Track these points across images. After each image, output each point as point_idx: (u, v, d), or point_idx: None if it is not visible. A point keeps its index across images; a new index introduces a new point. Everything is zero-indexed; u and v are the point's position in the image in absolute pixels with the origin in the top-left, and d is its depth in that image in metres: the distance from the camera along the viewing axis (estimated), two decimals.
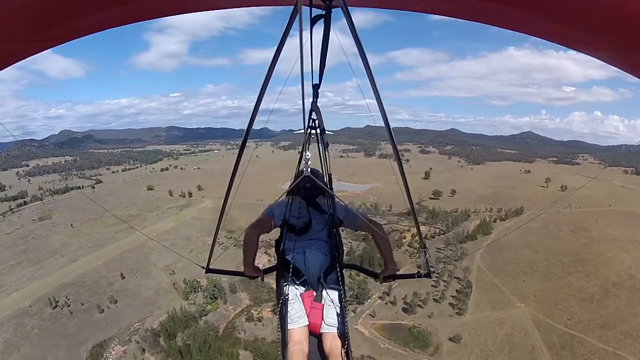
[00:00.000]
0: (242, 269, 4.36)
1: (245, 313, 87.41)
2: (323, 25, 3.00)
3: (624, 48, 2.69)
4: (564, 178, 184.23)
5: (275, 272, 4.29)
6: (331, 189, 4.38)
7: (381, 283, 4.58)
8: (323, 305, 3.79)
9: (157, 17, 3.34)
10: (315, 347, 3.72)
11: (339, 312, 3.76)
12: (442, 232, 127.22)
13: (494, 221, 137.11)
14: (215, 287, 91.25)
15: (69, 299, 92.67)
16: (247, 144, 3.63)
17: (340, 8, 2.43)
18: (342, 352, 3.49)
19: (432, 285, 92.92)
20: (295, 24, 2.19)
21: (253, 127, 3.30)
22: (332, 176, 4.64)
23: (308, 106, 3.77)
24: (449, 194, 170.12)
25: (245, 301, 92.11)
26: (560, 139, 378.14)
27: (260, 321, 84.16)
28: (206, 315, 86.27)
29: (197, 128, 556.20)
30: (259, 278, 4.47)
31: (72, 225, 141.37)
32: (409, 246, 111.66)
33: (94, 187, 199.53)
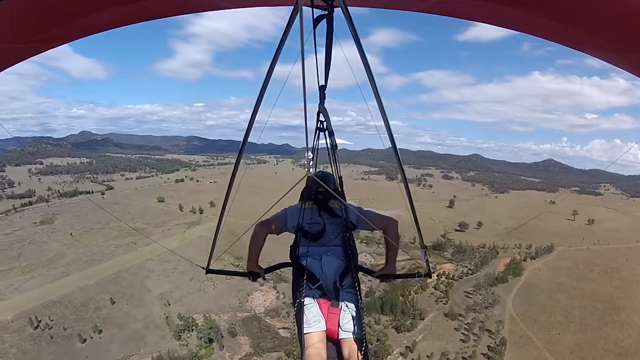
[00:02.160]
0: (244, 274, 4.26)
1: None
2: (326, 26, 2.91)
3: (627, 48, 2.68)
4: (589, 210, 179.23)
5: (291, 284, 4.05)
6: (342, 191, 4.31)
7: (380, 281, 4.39)
8: (340, 310, 3.66)
9: (158, 18, 3.27)
10: (334, 353, 3.57)
11: (355, 316, 3.62)
12: (470, 272, 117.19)
13: (524, 260, 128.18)
14: (211, 328, 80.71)
15: (51, 320, 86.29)
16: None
17: (341, 9, 2.41)
18: (360, 356, 3.33)
19: (461, 340, 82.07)
20: (297, 24, 2.19)
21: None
22: (343, 183, 4.47)
23: (313, 108, 3.68)
24: (475, 226, 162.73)
25: (245, 347, 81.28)
26: (580, 166, 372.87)
27: None
28: None
29: (218, 140, 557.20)
30: (261, 277, 4.26)
31: (71, 234, 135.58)
32: (435, 288, 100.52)
33: (103, 194, 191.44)
